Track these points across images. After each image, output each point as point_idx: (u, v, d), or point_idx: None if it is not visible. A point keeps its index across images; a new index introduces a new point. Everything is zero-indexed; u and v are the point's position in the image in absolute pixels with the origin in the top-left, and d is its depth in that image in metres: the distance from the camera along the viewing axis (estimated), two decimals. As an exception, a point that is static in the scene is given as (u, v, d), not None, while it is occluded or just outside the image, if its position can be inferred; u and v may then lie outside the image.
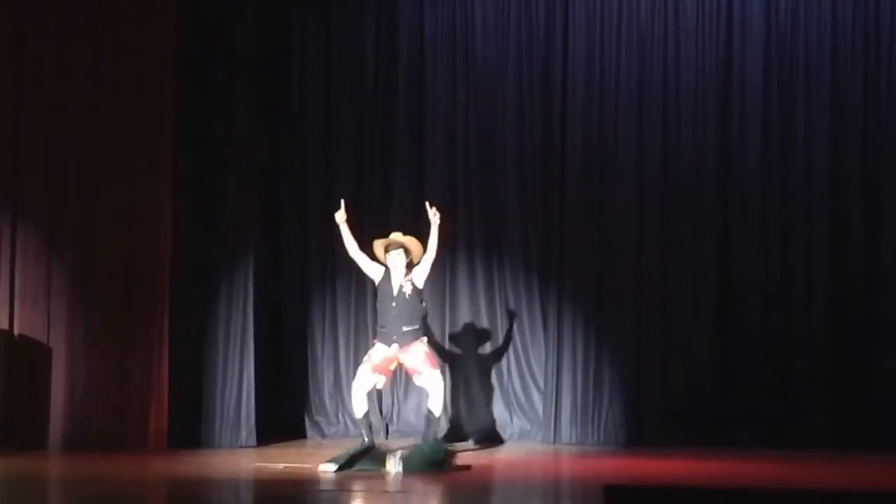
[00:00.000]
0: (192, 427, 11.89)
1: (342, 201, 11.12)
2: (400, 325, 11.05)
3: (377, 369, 11.07)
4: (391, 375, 11.62)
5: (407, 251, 11.15)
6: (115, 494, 9.20)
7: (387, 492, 9.39)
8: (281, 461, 10.63)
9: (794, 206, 12.67)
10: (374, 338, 11.37)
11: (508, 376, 12.84)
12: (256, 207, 12.51)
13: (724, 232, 12.71)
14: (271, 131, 12.99)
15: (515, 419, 12.74)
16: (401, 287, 11.08)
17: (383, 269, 11.19)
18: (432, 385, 11.03)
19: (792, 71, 12.73)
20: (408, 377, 12.06)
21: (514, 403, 12.79)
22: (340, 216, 11.13)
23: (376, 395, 12.77)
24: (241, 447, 11.77)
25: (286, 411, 12.78)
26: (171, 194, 11.89)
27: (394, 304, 11.08)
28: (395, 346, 11.03)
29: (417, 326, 11.14)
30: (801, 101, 12.70)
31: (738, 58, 12.78)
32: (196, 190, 12.16)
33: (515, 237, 12.90)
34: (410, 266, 11.15)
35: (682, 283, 12.69)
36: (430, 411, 11.07)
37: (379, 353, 11.08)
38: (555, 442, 12.51)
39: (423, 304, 11.29)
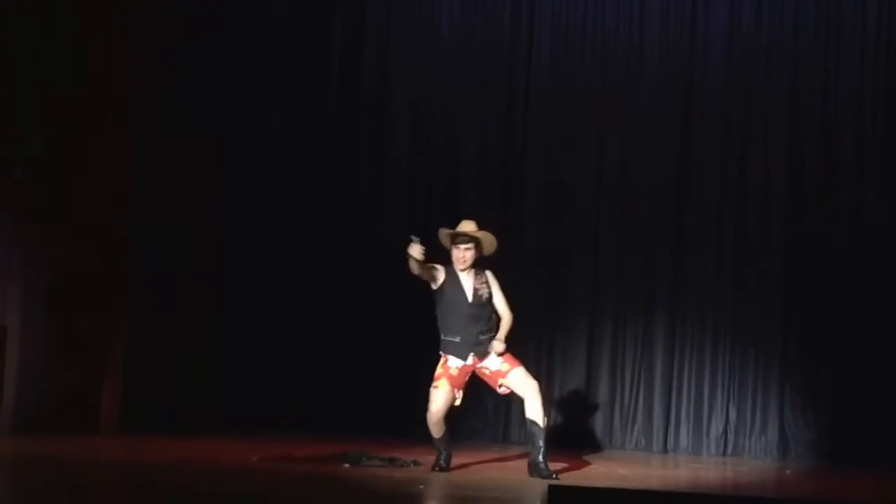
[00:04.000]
0: (146, 410, 11.93)
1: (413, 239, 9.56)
2: (476, 333, 9.71)
3: (455, 383, 9.80)
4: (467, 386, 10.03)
5: (478, 246, 9.79)
6: (62, 475, 9.21)
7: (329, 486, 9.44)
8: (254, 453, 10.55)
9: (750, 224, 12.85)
10: (442, 352, 9.87)
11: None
12: (221, 192, 12.62)
13: (681, 255, 12.89)
14: (227, 125, 12.98)
15: (466, 418, 12.82)
16: (475, 290, 9.73)
17: (442, 269, 9.82)
18: (523, 386, 9.73)
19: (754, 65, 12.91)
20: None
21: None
22: (417, 252, 9.49)
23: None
24: (195, 433, 11.75)
25: (239, 400, 12.73)
26: (131, 182, 11.97)
27: (468, 310, 9.70)
28: (471, 356, 9.78)
29: (494, 333, 9.80)
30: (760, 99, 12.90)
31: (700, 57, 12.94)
32: (157, 177, 12.26)
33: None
34: (480, 263, 9.83)
35: (635, 291, 12.87)
36: (531, 421, 9.72)
37: (454, 367, 9.77)
38: (504, 441, 12.66)
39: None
